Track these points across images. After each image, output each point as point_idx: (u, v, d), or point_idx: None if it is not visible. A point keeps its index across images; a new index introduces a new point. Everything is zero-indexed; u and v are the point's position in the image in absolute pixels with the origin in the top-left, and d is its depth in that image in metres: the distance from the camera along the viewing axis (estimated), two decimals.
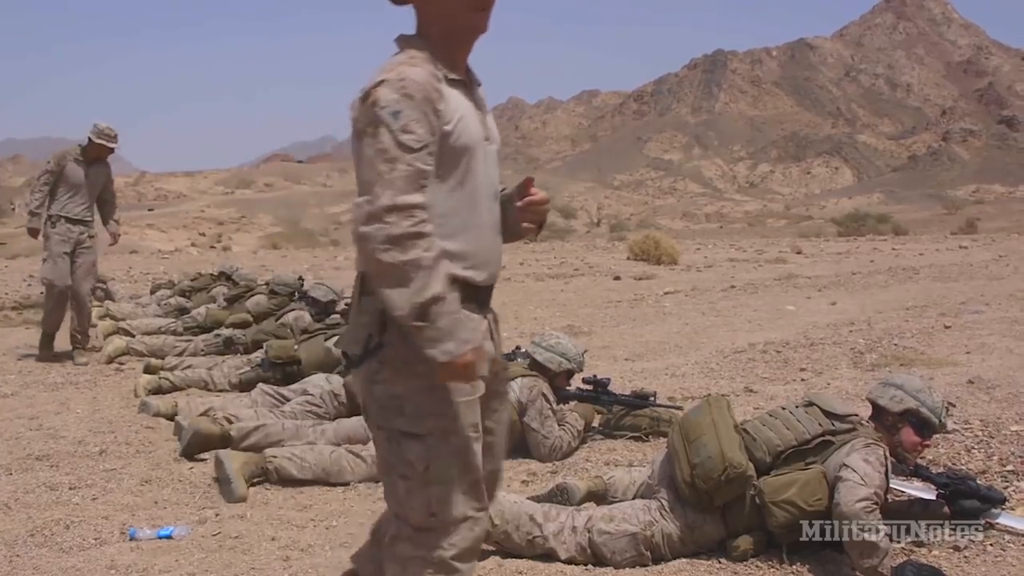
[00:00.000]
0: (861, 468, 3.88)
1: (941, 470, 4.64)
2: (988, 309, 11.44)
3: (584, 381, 6.25)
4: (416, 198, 2.43)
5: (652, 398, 6.20)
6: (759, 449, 4.10)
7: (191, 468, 5.56)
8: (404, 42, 2.67)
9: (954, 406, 6.20)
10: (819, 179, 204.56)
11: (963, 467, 5.05)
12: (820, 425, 4.17)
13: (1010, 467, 4.97)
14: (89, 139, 9.45)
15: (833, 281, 17.02)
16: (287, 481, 5.27)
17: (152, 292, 13.96)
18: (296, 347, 7.83)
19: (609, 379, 6.27)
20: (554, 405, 5.83)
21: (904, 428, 4.20)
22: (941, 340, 9.26)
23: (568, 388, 6.15)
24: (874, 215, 69.49)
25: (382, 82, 2.48)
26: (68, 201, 9.45)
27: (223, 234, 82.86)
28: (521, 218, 2.85)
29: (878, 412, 4.30)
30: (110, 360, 9.37)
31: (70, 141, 9.33)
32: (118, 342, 9.75)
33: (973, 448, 5.33)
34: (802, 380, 7.70)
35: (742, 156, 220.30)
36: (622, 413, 6.19)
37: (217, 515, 4.72)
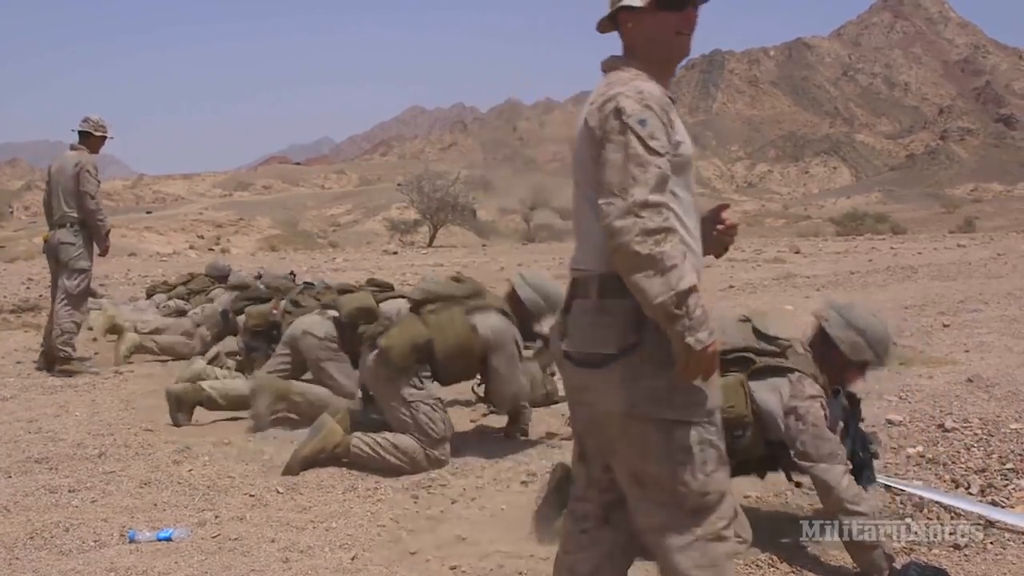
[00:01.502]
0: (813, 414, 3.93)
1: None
2: (987, 308, 11.44)
3: None
4: (665, 198, 2.61)
5: None
6: None
7: (190, 470, 5.56)
8: (617, 63, 2.88)
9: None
10: (817, 178, 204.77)
11: (963, 465, 5.06)
12: (744, 340, 4.16)
13: (1010, 465, 4.97)
14: (89, 133, 9.27)
15: (832, 281, 17.01)
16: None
17: (148, 296, 13.91)
18: (275, 313, 7.91)
19: None
20: (522, 352, 5.84)
21: (852, 371, 4.20)
22: (940, 339, 9.25)
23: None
24: (872, 214, 69.61)
25: (619, 94, 2.67)
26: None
27: (221, 236, 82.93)
28: (715, 240, 3.05)
29: (825, 341, 4.25)
30: (127, 357, 9.39)
31: (66, 145, 9.20)
32: (131, 336, 9.75)
33: (972, 446, 5.33)
34: None
35: (740, 156, 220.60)
36: None
37: (216, 517, 4.72)
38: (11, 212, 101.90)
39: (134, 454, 5.96)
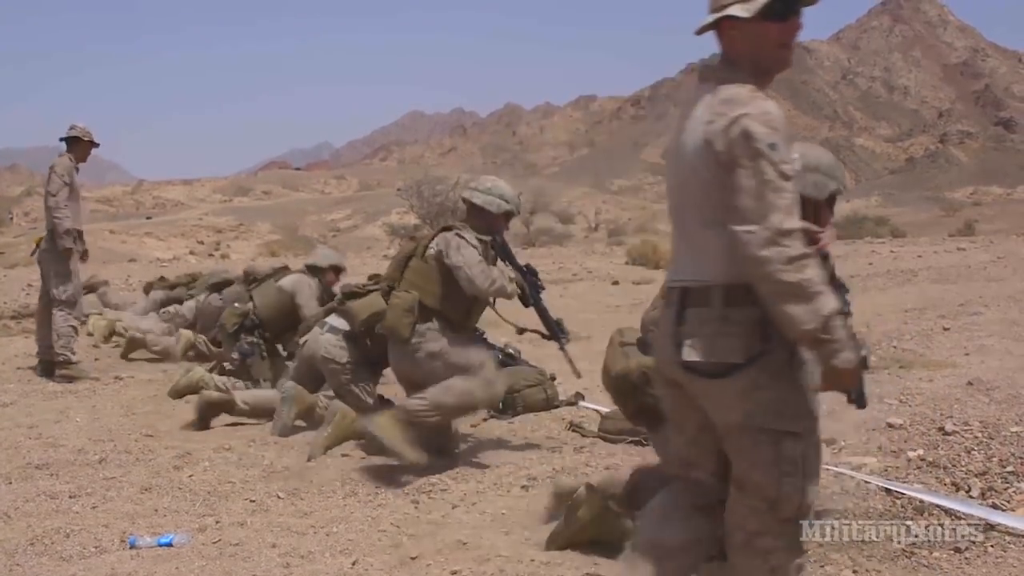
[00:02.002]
0: None
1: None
2: (987, 311, 11.43)
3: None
4: (799, 223, 2.72)
5: (564, 338, 6.36)
6: None
7: (191, 476, 5.56)
8: (722, 74, 2.95)
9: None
10: None
11: (963, 469, 5.06)
12: None
13: (1010, 468, 4.97)
14: (78, 139, 9.20)
15: None
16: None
17: (146, 291, 13.92)
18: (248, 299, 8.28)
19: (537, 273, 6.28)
20: (474, 241, 5.82)
21: (824, 210, 4.22)
22: (940, 342, 9.24)
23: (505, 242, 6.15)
24: (872, 217, 69.53)
25: (745, 115, 2.75)
26: (76, 213, 9.16)
27: (221, 242, 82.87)
28: None
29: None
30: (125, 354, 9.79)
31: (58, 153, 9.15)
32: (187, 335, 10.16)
33: (973, 450, 5.33)
34: None
35: None
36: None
37: (217, 523, 4.72)
38: (11, 218, 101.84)
39: (135, 460, 5.96)
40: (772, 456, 2.86)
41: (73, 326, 9.14)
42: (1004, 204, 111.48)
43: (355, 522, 4.71)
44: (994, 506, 4.49)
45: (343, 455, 5.97)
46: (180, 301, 12.08)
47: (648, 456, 5.69)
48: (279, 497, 5.15)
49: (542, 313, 6.22)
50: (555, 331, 6.29)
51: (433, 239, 5.90)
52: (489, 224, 6.01)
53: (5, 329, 12.78)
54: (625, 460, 5.64)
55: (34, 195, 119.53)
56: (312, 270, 8.10)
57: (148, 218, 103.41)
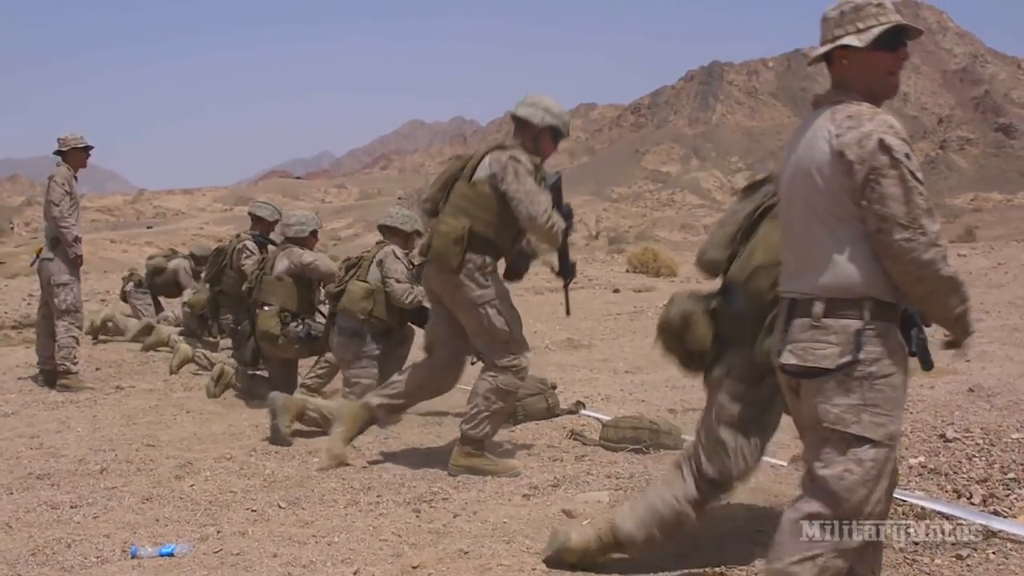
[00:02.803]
0: None
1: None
2: (988, 317, 11.43)
3: None
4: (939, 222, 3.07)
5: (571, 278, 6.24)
6: None
7: (192, 486, 5.56)
8: (839, 97, 3.21)
9: None
10: None
11: (964, 475, 5.05)
12: None
13: (1012, 475, 4.96)
14: (74, 148, 9.20)
15: None
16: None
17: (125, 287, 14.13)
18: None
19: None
20: (530, 166, 5.60)
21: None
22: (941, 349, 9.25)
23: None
24: None
25: (876, 131, 3.01)
26: (76, 221, 9.19)
27: None
28: None
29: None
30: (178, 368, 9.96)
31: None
32: (185, 348, 9.91)
33: (974, 456, 5.33)
34: None
35: (740, 167, 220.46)
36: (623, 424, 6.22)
37: (219, 532, 4.72)
38: (12, 228, 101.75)
39: (136, 470, 5.97)
40: (840, 456, 3.09)
41: (75, 336, 9.17)
42: (1004, 210, 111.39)
43: (356, 531, 4.70)
44: (995, 513, 4.49)
45: (344, 463, 5.97)
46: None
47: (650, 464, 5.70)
48: (280, 507, 5.14)
49: (564, 251, 6.02)
50: (568, 270, 6.13)
51: (482, 159, 5.67)
52: (535, 140, 5.78)
53: (6, 339, 12.80)
54: (626, 468, 5.64)
55: (34, 205, 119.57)
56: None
57: (149, 227, 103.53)
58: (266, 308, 7.86)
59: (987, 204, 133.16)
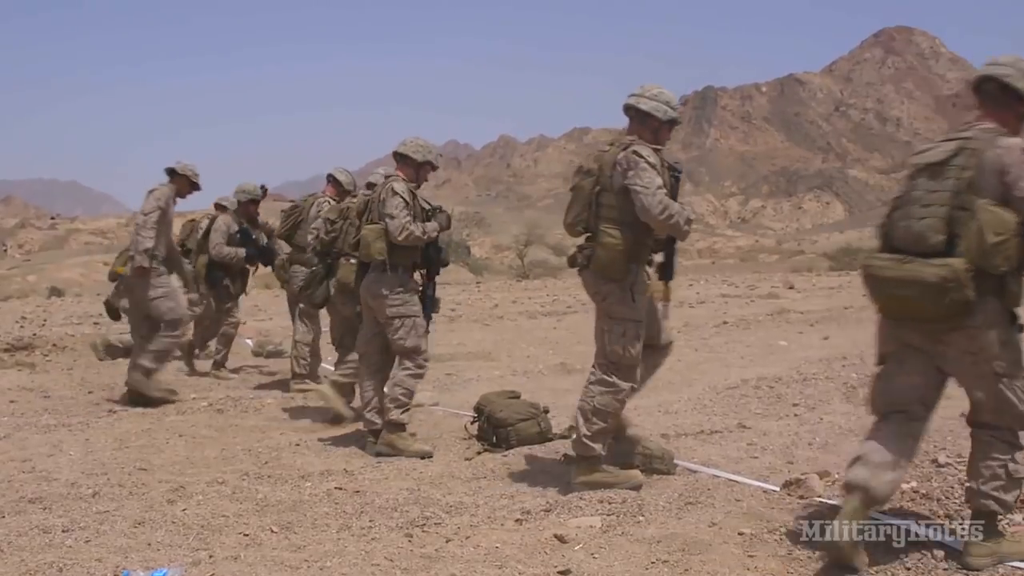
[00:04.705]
0: None
1: None
2: None
3: None
4: None
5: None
6: None
7: (184, 510, 5.55)
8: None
9: None
10: (810, 214, 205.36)
11: (957, 501, 5.06)
12: None
13: None
14: (186, 176, 9.73)
15: (825, 316, 17.04)
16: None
17: None
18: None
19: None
20: (653, 160, 5.55)
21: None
22: None
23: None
24: (866, 249, 69.23)
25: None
26: (162, 240, 9.58)
27: None
28: None
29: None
30: None
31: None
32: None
33: (967, 481, 5.33)
34: (795, 415, 7.71)
35: (733, 192, 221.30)
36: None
37: (211, 557, 4.71)
38: (5, 250, 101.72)
39: (128, 493, 5.95)
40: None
41: (175, 345, 9.63)
42: None
43: (349, 556, 4.70)
44: None
45: (336, 487, 5.97)
46: None
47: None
48: (273, 531, 5.13)
49: (672, 254, 6.04)
50: (671, 269, 6.10)
51: (613, 168, 5.60)
52: (655, 133, 5.75)
53: None
54: (620, 492, 5.63)
55: (28, 227, 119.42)
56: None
57: None
58: (351, 260, 7.74)
59: None
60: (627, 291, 5.64)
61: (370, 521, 5.28)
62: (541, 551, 4.63)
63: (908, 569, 4.21)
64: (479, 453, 6.88)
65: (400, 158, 7.39)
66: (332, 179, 10.08)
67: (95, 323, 18.35)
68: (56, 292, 45.98)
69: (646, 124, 5.73)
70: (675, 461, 6.12)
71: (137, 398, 9.27)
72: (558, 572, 4.30)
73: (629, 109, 5.81)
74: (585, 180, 5.76)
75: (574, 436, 5.81)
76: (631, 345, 5.69)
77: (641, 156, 5.49)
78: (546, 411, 7.33)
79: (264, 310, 18.78)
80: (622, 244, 5.52)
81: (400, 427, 7.08)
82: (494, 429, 7.04)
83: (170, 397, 9.40)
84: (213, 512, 5.50)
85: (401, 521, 5.26)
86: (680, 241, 5.87)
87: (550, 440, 7.03)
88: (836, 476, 5.63)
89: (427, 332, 7.33)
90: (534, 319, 18.31)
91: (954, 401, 7.59)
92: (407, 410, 7.15)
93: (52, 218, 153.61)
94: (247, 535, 5.08)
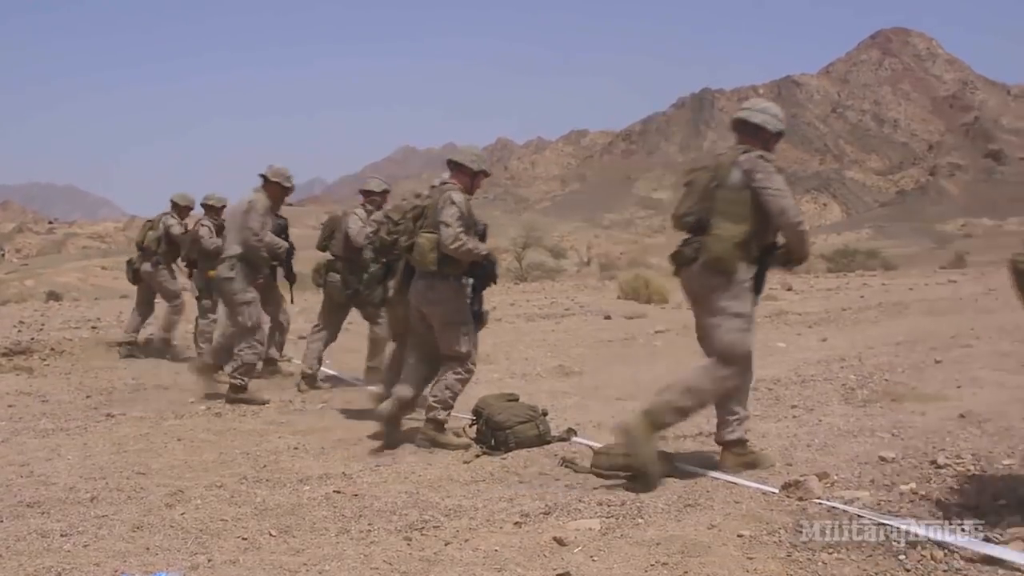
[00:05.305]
0: None
1: None
2: (978, 343, 11.47)
3: None
4: None
5: None
6: None
7: (183, 514, 5.54)
8: None
9: None
10: (808, 215, 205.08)
11: (956, 502, 5.05)
12: None
13: (1002, 501, 4.97)
14: (278, 183, 9.94)
15: (823, 317, 17.03)
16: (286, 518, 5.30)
17: None
18: None
19: None
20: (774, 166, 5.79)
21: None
22: (932, 375, 9.27)
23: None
24: (863, 250, 69.83)
25: None
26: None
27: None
28: None
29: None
30: None
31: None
32: None
33: (966, 483, 5.34)
34: (794, 417, 7.70)
35: None
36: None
37: (209, 561, 4.70)
38: (2, 255, 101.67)
39: (126, 498, 5.94)
40: None
41: (257, 353, 9.77)
42: (994, 236, 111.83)
43: (347, 560, 4.69)
44: (987, 539, 4.49)
45: (335, 491, 5.96)
46: None
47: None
48: (271, 535, 5.13)
49: (765, 268, 6.07)
50: (760, 286, 6.11)
51: (731, 168, 5.78)
52: (765, 143, 5.96)
53: None
54: (619, 495, 5.63)
55: (25, 232, 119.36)
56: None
57: None
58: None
59: (977, 230, 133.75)
60: (737, 285, 5.76)
61: (369, 524, 5.27)
62: (540, 554, 4.63)
63: (908, 570, 4.20)
64: (478, 456, 6.87)
65: (455, 166, 7.56)
66: (365, 192, 10.58)
67: (93, 327, 18.34)
68: (54, 296, 46.01)
69: (757, 136, 5.96)
70: (674, 463, 6.12)
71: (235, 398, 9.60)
72: (557, 575, 4.30)
73: (740, 123, 6.05)
74: (702, 175, 5.95)
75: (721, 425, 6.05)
76: (745, 337, 5.86)
77: (768, 160, 5.73)
78: (544, 414, 7.34)
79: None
80: (737, 238, 5.66)
81: (441, 425, 7.27)
82: (493, 432, 7.04)
83: (260, 399, 9.65)
84: (211, 516, 5.49)
85: (400, 524, 5.26)
86: (796, 259, 6.00)
87: (548, 443, 7.03)
88: (834, 478, 5.63)
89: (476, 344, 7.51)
90: (532, 321, 18.29)
91: (952, 403, 7.63)
92: (450, 411, 7.33)
93: (50, 222, 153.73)
94: (246, 539, 5.07)
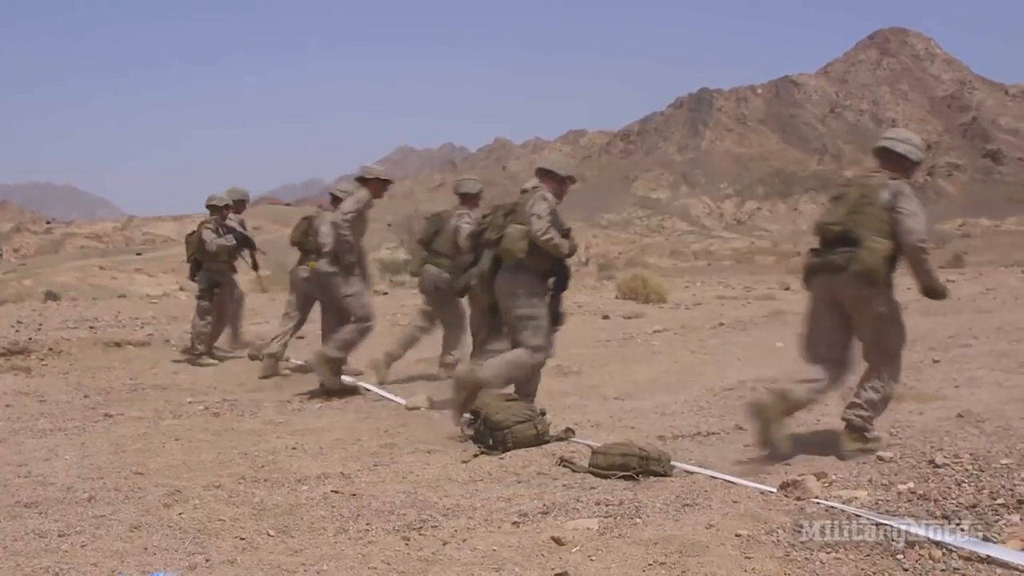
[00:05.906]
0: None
1: None
2: (976, 342, 11.48)
3: None
4: None
5: None
6: None
7: (181, 514, 5.54)
8: None
9: None
10: (806, 215, 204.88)
11: (954, 501, 5.05)
12: None
13: (1001, 501, 4.97)
14: (377, 179, 10.14)
15: None
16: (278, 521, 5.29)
17: None
18: None
19: None
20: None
21: None
22: (930, 374, 9.28)
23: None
24: None
25: None
26: (359, 238, 10.19)
27: None
28: None
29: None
30: None
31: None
32: None
33: (963, 482, 5.34)
34: (792, 417, 7.70)
35: (729, 193, 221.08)
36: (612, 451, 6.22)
37: (207, 561, 4.70)
38: (0, 255, 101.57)
39: (124, 498, 5.94)
40: None
41: (361, 338, 10.08)
42: (992, 236, 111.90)
43: (345, 560, 4.69)
44: (985, 539, 4.49)
45: (333, 491, 5.96)
46: None
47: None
48: (269, 535, 5.13)
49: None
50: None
51: (880, 189, 6.25)
52: (906, 171, 6.45)
53: None
54: (616, 495, 5.63)
55: (24, 231, 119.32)
56: None
57: (138, 254, 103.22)
58: None
59: (975, 230, 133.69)
60: (888, 293, 6.31)
61: (367, 524, 5.27)
62: (538, 553, 4.63)
63: (906, 570, 4.20)
64: (476, 456, 6.87)
65: (544, 173, 8.01)
66: (463, 195, 10.62)
67: (91, 327, 18.31)
68: (52, 296, 45.92)
69: (900, 164, 6.45)
70: (672, 463, 6.13)
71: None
72: (555, 574, 4.30)
73: (883, 151, 6.53)
74: (852, 191, 6.44)
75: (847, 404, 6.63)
76: (904, 340, 6.51)
77: (910, 186, 6.31)
78: (543, 413, 7.34)
79: (260, 313, 18.71)
80: (886, 252, 6.16)
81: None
82: (491, 431, 7.04)
83: (349, 389, 9.98)
84: (209, 516, 5.49)
85: (398, 524, 5.26)
86: (921, 282, 6.47)
87: (547, 442, 7.03)
88: (833, 477, 5.64)
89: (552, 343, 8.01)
90: None
91: (950, 402, 7.63)
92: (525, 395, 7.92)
93: (48, 222, 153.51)
94: (244, 539, 5.07)
